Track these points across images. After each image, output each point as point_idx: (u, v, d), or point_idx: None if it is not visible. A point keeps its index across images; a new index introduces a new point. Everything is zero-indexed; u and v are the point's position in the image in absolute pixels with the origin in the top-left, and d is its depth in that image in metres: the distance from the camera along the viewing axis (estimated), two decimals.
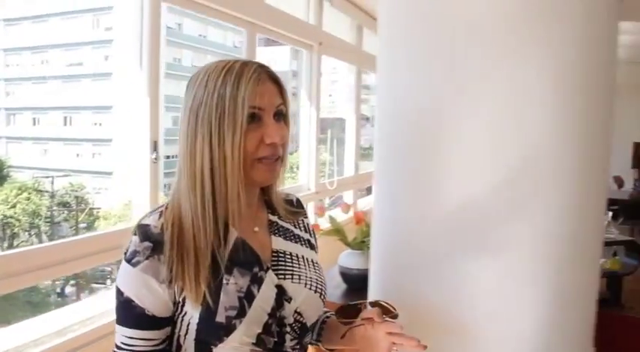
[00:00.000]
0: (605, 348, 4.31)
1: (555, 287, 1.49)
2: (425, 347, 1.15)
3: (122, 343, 1.11)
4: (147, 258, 1.07)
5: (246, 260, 1.16)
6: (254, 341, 1.13)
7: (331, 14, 5.02)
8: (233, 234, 1.16)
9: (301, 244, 1.30)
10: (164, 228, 1.09)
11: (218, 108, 1.08)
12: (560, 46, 1.34)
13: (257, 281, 1.15)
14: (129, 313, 1.10)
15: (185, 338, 1.13)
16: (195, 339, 1.12)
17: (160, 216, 1.12)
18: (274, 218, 1.27)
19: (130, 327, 1.10)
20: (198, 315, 1.09)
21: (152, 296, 1.08)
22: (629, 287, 5.93)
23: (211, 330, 1.10)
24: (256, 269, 1.16)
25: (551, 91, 1.34)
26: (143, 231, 1.10)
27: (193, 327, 1.11)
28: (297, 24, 4.60)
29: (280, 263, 1.21)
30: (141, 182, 3.07)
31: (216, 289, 1.10)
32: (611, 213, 5.54)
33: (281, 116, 1.17)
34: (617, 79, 7.70)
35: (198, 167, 1.09)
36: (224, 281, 1.11)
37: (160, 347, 1.13)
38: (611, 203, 7.85)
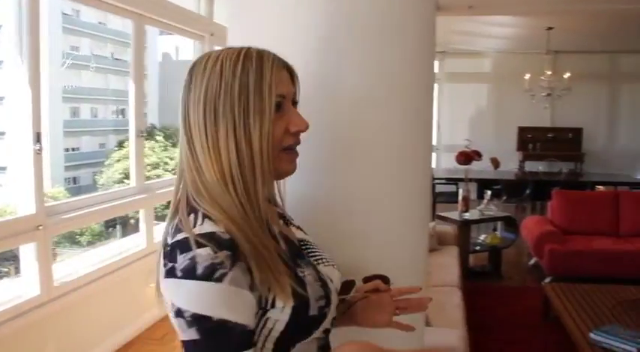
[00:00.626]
0: (487, 314, 4.71)
1: None
2: (430, 299, 1.22)
3: None
4: (231, 268, 0.90)
5: (298, 250, 1.10)
6: (328, 327, 1.07)
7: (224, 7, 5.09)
8: (274, 230, 1.07)
9: (300, 229, 1.21)
10: (230, 231, 0.94)
11: (241, 98, 0.97)
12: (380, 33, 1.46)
13: (314, 267, 1.09)
14: (226, 337, 0.89)
15: (265, 342, 0.98)
16: (276, 341, 0.98)
17: (210, 219, 0.96)
18: (279, 210, 1.18)
19: None
20: (289, 314, 0.96)
21: (246, 308, 0.92)
22: (508, 259, 6.44)
23: (303, 326, 1.00)
24: (307, 259, 1.10)
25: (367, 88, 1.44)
26: (211, 240, 0.91)
27: (278, 330, 0.97)
28: (188, 15, 4.63)
29: (309, 251, 1.15)
30: (24, 174, 3.02)
31: (300, 284, 1.00)
32: (489, 192, 5.93)
33: (295, 104, 1.08)
34: (503, 69, 8.16)
35: (225, 162, 0.98)
36: (300, 275, 1.02)
37: None
38: (493, 183, 8.43)
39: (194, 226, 0.94)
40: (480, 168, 6.74)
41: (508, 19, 7.40)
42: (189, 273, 0.88)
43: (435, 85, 10.46)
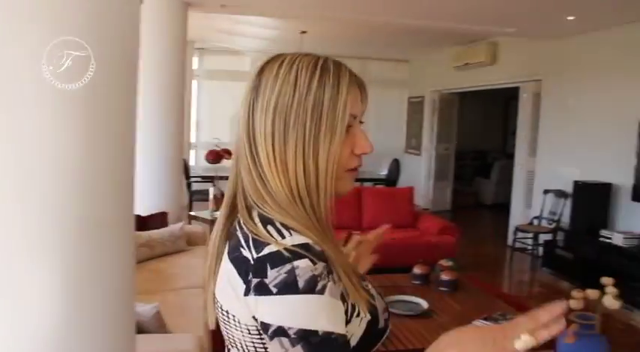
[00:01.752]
0: None
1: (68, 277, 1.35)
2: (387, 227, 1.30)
3: None
4: (329, 280, 0.87)
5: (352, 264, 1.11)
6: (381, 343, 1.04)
7: None
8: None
9: None
10: (319, 243, 0.90)
11: (314, 114, 0.92)
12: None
13: (370, 282, 1.09)
14: (332, 349, 0.85)
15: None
16: None
17: (297, 231, 0.90)
18: None
19: None
20: (363, 328, 0.95)
21: (343, 319, 0.90)
22: None
23: (371, 339, 0.98)
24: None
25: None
26: (308, 251, 0.87)
27: (352, 344, 0.93)
28: None
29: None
30: None
31: (371, 297, 0.99)
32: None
33: (361, 122, 1.02)
34: None
35: (292, 176, 0.93)
36: (367, 287, 1.02)
37: None
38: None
39: (282, 237, 0.89)
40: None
41: (264, 20, 7.58)
42: (290, 287, 0.84)
43: (194, 82, 10.37)
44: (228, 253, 0.96)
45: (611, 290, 2.16)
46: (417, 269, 4.22)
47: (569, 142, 6.67)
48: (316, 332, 0.84)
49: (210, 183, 8.04)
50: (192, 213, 5.65)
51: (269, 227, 0.92)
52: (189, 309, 3.41)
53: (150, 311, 2.71)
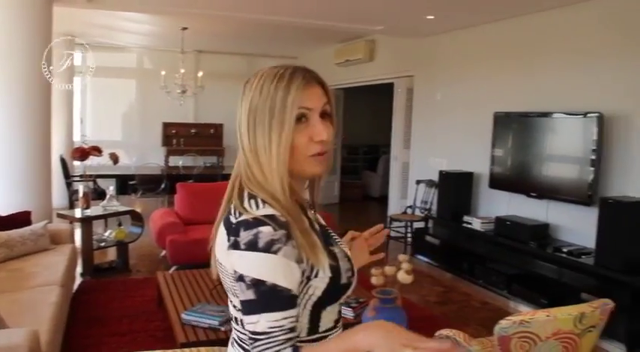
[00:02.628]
0: (105, 308, 4.72)
1: None
2: (388, 231, 1.47)
3: (269, 328, 1.12)
4: (285, 244, 1.13)
5: (326, 233, 1.32)
6: (343, 302, 1.30)
7: None
8: (310, 214, 1.30)
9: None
10: (285, 215, 1.16)
11: (271, 111, 1.17)
12: None
13: (339, 246, 1.31)
14: (275, 298, 1.12)
15: (304, 308, 1.20)
16: (312, 306, 1.21)
17: (270, 205, 1.17)
18: (314, 200, 1.38)
19: (279, 310, 1.12)
20: (326, 283, 1.19)
21: (293, 277, 1.14)
22: (141, 252, 6.57)
23: (333, 294, 1.23)
24: (333, 239, 1.33)
25: None
26: (272, 220, 1.14)
27: (316, 296, 1.20)
28: None
29: (329, 233, 1.35)
30: None
31: (334, 258, 1.23)
32: (112, 188, 5.93)
33: (326, 115, 1.24)
34: (147, 65, 7.96)
35: (262, 160, 1.19)
36: (333, 251, 1.25)
37: (297, 321, 1.17)
38: (130, 178, 8.50)
39: (257, 209, 1.16)
40: (102, 164, 6.63)
41: (143, 16, 7.49)
42: (253, 246, 1.11)
43: (78, 79, 10.05)
44: (224, 219, 1.23)
45: (405, 266, 2.38)
46: None
47: (438, 134, 7.08)
48: (264, 282, 1.11)
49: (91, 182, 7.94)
50: (60, 212, 5.51)
51: (251, 201, 1.19)
52: (41, 306, 3.38)
53: None
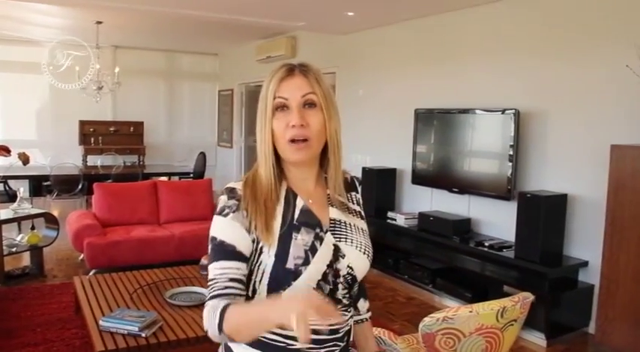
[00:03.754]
0: (17, 317, 4.45)
1: None
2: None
3: (215, 275, 1.29)
4: (234, 211, 1.32)
5: (311, 222, 1.38)
6: (314, 286, 1.34)
7: None
8: (300, 203, 1.39)
9: (353, 215, 1.49)
10: (246, 192, 1.34)
11: (261, 103, 1.36)
12: None
13: (319, 239, 1.37)
14: (221, 250, 1.31)
15: (260, 283, 1.34)
16: (268, 284, 1.33)
17: (245, 182, 1.37)
18: (330, 192, 1.45)
19: (223, 260, 1.30)
20: (272, 263, 1.31)
21: (239, 237, 1.31)
22: (58, 256, 6.26)
23: (282, 275, 1.31)
24: (318, 230, 1.38)
25: None
26: (230, 191, 1.35)
27: (267, 273, 1.32)
28: None
29: (337, 228, 1.42)
30: None
31: (287, 242, 1.32)
32: (22, 189, 5.62)
33: (312, 105, 1.34)
34: (59, 60, 7.40)
35: (259, 145, 1.38)
36: (293, 237, 1.34)
37: (244, 277, 1.31)
38: (43, 179, 8.10)
39: (233, 182, 1.39)
40: (14, 165, 6.26)
41: (53, 9, 7.13)
42: (216, 210, 1.36)
43: None
44: None
45: None
46: (204, 260, 4.26)
47: (361, 131, 7.13)
48: (215, 238, 1.33)
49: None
50: None
51: (246, 175, 1.41)
52: None
53: None
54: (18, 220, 5.47)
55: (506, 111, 4.83)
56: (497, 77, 5.20)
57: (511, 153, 4.80)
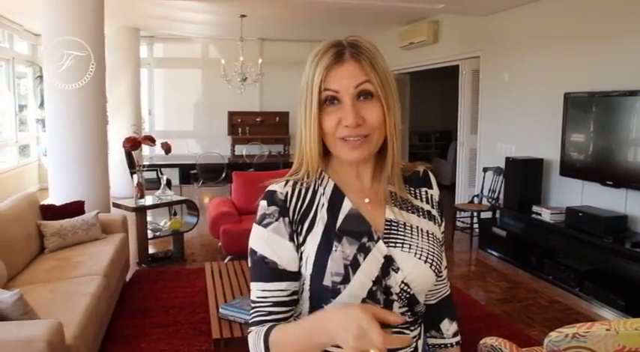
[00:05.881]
0: (156, 298, 4.70)
1: None
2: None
3: (257, 297, 1.16)
4: (276, 219, 1.15)
5: (357, 229, 1.18)
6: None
7: None
8: (347, 205, 1.20)
9: (419, 215, 1.26)
10: (288, 194, 1.17)
11: (303, 90, 1.15)
12: None
13: (364, 250, 1.16)
14: (263, 269, 1.15)
15: (301, 295, 1.19)
16: (309, 298, 1.18)
17: (286, 183, 1.19)
18: (393, 188, 1.25)
19: (265, 281, 1.15)
20: (309, 277, 1.15)
21: (282, 251, 1.15)
22: (201, 242, 6.56)
23: (319, 292, 1.15)
24: (365, 239, 1.18)
25: None
26: (270, 195, 1.18)
27: (307, 286, 1.16)
28: None
29: (392, 231, 1.21)
30: None
31: (325, 254, 1.14)
32: (166, 177, 5.92)
33: (368, 95, 1.13)
34: (211, 54, 7.79)
35: (302, 137, 1.17)
36: (333, 249, 1.15)
37: (292, 297, 1.17)
38: (191, 168, 8.52)
39: (273, 183, 1.20)
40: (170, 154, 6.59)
41: (199, 5, 7.44)
42: (255, 217, 1.19)
43: (145, 70, 10.24)
44: None
45: None
46: None
47: (506, 118, 6.64)
48: (256, 252, 1.16)
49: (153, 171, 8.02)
50: (116, 202, 5.54)
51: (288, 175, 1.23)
52: (77, 297, 3.34)
53: (10, 298, 2.65)
54: (160, 206, 5.76)
55: None
56: None
57: None
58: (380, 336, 0.88)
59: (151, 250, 5.66)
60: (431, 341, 1.41)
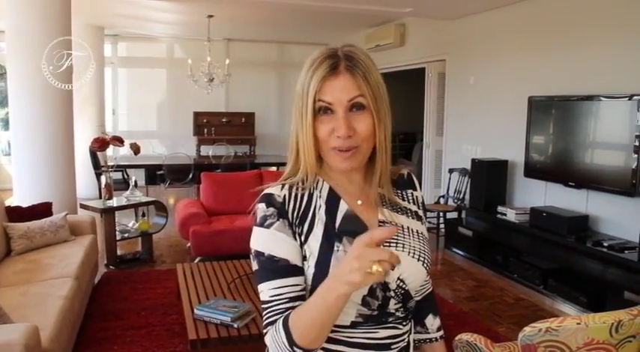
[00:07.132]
0: (124, 300, 4.64)
1: None
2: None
3: (270, 296, 1.16)
4: (277, 219, 1.17)
5: (355, 229, 1.18)
6: (359, 302, 1.19)
7: None
8: (344, 207, 1.24)
9: (407, 216, 1.32)
10: (285, 197, 1.20)
11: (297, 98, 1.19)
12: None
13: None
14: (273, 267, 1.17)
15: (308, 292, 1.18)
16: (311, 292, 1.17)
17: (282, 187, 1.21)
18: (382, 191, 1.29)
19: (276, 279, 1.16)
20: (312, 274, 1.17)
21: (289, 247, 1.17)
22: (168, 243, 6.50)
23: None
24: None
25: None
26: (267, 198, 1.20)
27: (309, 284, 1.17)
28: None
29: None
30: None
31: (327, 253, 1.17)
32: (134, 178, 5.86)
33: (360, 107, 1.17)
34: (177, 54, 7.78)
35: (292, 143, 1.22)
36: (335, 248, 1.18)
37: (304, 293, 1.18)
38: (157, 168, 8.43)
39: (270, 186, 1.23)
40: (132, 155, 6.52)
41: (167, 5, 7.38)
42: (255, 221, 1.20)
43: (109, 70, 10.08)
44: None
45: None
46: None
47: (472, 121, 6.79)
48: (263, 253, 1.17)
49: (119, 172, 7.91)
50: (83, 203, 5.45)
51: (282, 178, 1.26)
52: (51, 300, 3.29)
53: None
54: (128, 207, 5.70)
55: (634, 97, 4.34)
56: (623, 59, 4.68)
57: (637, 143, 4.31)
58: (374, 245, 0.97)
59: (119, 252, 5.59)
60: (416, 336, 1.46)
